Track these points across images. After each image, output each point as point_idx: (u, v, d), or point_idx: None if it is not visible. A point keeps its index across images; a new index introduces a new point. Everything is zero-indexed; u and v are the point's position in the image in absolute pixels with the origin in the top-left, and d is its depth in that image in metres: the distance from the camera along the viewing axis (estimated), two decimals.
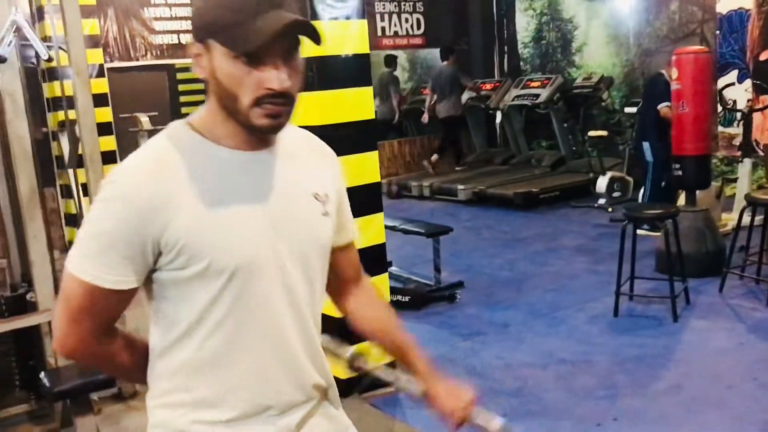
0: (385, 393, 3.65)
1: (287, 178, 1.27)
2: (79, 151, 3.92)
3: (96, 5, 7.34)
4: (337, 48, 3.41)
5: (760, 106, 7.14)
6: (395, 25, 10.19)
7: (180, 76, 9.87)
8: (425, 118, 10.00)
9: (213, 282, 1.19)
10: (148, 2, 8.47)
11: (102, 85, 7.28)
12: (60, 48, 3.85)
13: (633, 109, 7.69)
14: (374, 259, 3.61)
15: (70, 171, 5.18)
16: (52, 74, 6.15)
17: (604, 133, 8.11)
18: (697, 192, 5.37)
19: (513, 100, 9.55)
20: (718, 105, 7.04)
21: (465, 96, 9.99)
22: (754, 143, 6.36)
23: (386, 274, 3.70)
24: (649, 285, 4.86)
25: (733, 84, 7.43)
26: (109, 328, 1.27)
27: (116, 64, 8.21)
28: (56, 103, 6.17)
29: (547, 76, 9.57)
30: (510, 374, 3.81)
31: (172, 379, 1.26)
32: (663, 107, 6.09)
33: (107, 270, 1.17)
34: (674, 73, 5.25)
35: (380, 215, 3.62)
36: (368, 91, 3.55)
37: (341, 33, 3.42)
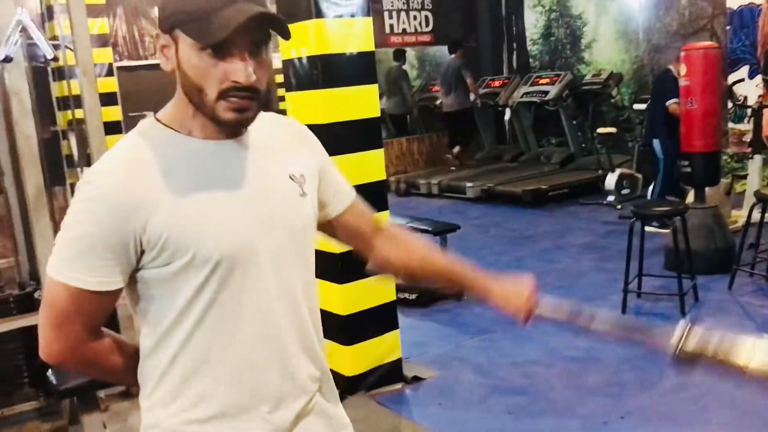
0: (392, 390, 3.66)
1: (261, 163, 1.26)
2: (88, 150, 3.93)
3: (105, 4, 7.38)
4: (341, 46, 3.40)
5: None
6: (403, 23, 10.17)
7: None
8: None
9: (197, 274, 1.18)
10: (156, 1, 8.50)
11: (111, 84, 7.33)
12: (66, 47, 3.87)
13: (642, 106, 7.64)
14: None
15: (79, 170, 5.21)
16: (62, 73, 6.19)
17: (613, 129, 8.06)
18: (707, 189, 5.33)
19: (522, 97, 9.51)
20: (728, 101, 6.98)
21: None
22: (765, 140, 6.31)
23: None
24: (658, 282, 4.83)
25: (743, 80, 7.37)
26: (95, 331, 1.25)
27: (125, 62, 8.24)
28: (65, 102, 6.20)
29: (556, 73, 9.53)
30: (517, 372, 3.80)
31: (162, 378, 1.25)
32: (671, 104, 6.05)
33: (89, 272, 1.16)
34: (683, 70, 5.21)
35: (386, 213, 3.61)
36: (373, 88, 3.55)
37: (346, 31, 3.41)
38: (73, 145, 5.97)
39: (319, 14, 3.32)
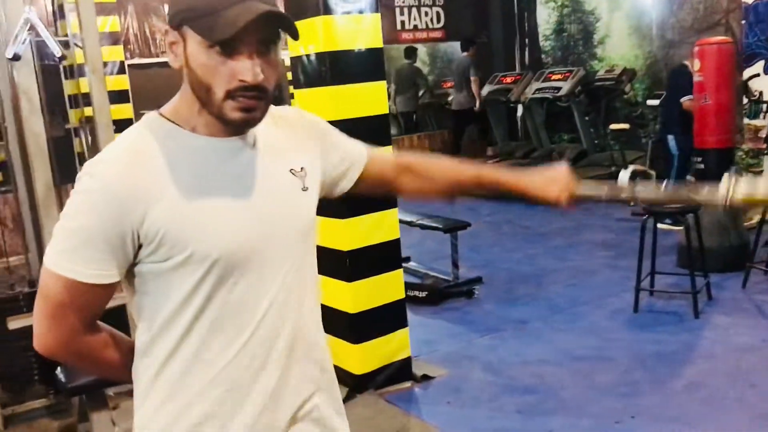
0: (401, 389, 3.64)
1: (265, 160, 1.25)
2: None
3: (116, 2, 7.39)
4: (350, 42, 3.39)
5: None
6: (415, 19, 10.14)
7: None
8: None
9: (194, 271, 1.17)
10: None
11: (122, 82, 7.34)
12: (76, 45, 3.88)
13: (656, 102, 7.57)
14: (388, 255, 3.59)
15: None
16: (73, 71, 6.21)
17: (626, 126, 8.00)
18: None
19: (534, 93, 9.46)
20: (744, 96, 6.90)
21: (486, 89, 9.91)
22: None
23: (401, 270, 3.68)
24: (670, 280, 4.78)
25: (759, 75, 7.28)
26: (90, 324, 1.24)
27: (136, 60, 8.26)
28: (78, 100, 6.23)
29: (569, 69, 9.46)
30: (527, 371, 3.77)
31: (156, 377, 1.23)
32: (685, 100, 5.99)
33: (86, 264, 1.15)
34: (696, 65, 5.15)
35: (394, 211, 3.59)
36: (381, 85, 3.53)
37: (354, 27, 3.39)
38: (84, 143, 6.00)
39: (328, 11, 3.30)
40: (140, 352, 1.26)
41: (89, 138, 5.59)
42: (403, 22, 10.04)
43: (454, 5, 10.45)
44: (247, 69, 1.13)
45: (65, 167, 4.05)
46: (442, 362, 3.92)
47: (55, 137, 3.86)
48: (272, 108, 1.30)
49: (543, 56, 10.47)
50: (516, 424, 3.24)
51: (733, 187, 1.33)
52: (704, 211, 4.78)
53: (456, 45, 10.11)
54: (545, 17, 10.35)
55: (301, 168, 1.31)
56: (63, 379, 2.80)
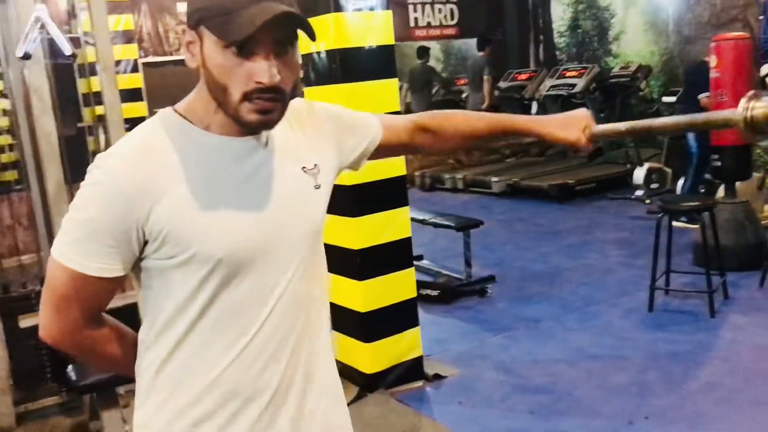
0: (412, 388, 3.62)
1: (278, 161, 1.24)
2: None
3: (130, 1, 7.42)
4: (360, 39, 3.37)
5: None
6: (428, 16, 10.07)
7: None
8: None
9: (197, 271, 1.16)
10: None
11: (136, 80, 7.37)
12: (88, 43, 3.89)
13: (671, 99, 7.49)
14: (399, 254, 3.57)
15: None
16: (85, 70, 6.23)
17: None
18: (738, 183, 5.20)
19: (548, 90, 9.38)
20: None
21: (500, 86, 9.86)
22: None
23: (412, 268, 3.65)
24: (686, 279, 4.73)
25: None
26: (95, 317, 1.24)
27: (150, 58, 8.29)
28: (91, 99, 6.25)
29: (584, 66, 9.39)
30: (540, 370, 3.74)
31: (157, 374, 1.23)
32: (703, 97, 5.90)
33: (91, 257, 1.14)
34: (713, 61, 5.09)
35: (405, 209, 3.57)
36: (393, 83, 3.50)
37: (365, 24, 3.37)
38: (99, 141, 6.03)
39: (338, 8, 3.29)
40: (143, 348, 1.25)
41: (103, 136, 5.62)
42: (416, 20, 9.98)
43: (468, 2, 10.38)
44: (263, 70, 1.11)
45: (77, 166, 4.06)
46: (453, 361, 3.89)
47: (67, 136, 3.86)
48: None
49: (557, 53, 10.40)
50: (528, 425, 3.21)
51: (753, 105, 1.27)
52: (721, 209, 4.72)
53: (470, 41, 10.05)
54: (560, 13, 10.27)
55: (314, 165, 1.30)
56: (74, 377, 2.81)
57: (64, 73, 4.58)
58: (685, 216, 5.58)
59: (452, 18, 10.28)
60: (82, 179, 1.17)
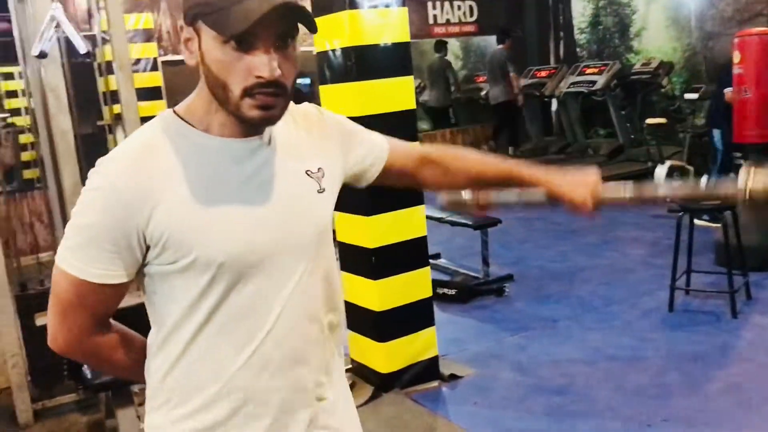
0: (428, 388, 3.59)
1: (280, 163, 1.21)
2: None
3: None
4: (376, 37, 3.34)
5: None
6: (447, 13, 10.02)
7: None
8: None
9: (200, 276, 1.14)
10: None
11: (156, 79, 7.39)
12: (105, 41, 3.90)
13: (694, 96, 7.40)
14: (415, 253, 3.54)
15: None
16: (102, 68, 6.28)
17: (663, 120, 7.81)
18: None
19: (569, 87, 9.31)
20: None
21: (521, 82, 9.79)
22: None
23: (428, 267, 3.62)
24: (708, 279, 4.65)
25: None
26: (101, 323, 1.23)
27: (170, 57, 8.33)
28: (107, 97, 6.29)
29: (604, 62, 9.29)
30: (557, 371, 3.69)
31: (165, 378, 1.21)
32: (728, 92, 5.81)
33: (92, 262, 1.13)
34: (736, 57, 5.00)
35: (421, 207, 3.54)
36: (409, 80, 3.47)
37: (381, 21, 3.34)
38: (118, 139, 6.07)
39: (354, 5, 3.26)
40: (151, 353, 1.24)
41: (121, 135, 5.66)
42: (435, 17, 9.94)
43: None
44: (263, 64, 1.09)
45: (94, 164, 4.09)
46: (470, 361, 3.86)
47: (84, 134, 3.88)
48: (292, 106, 1.26)
49: (578, 50, 10.30)
50: (544, 426, 3.18)
51: (752, 179, 1.24)
52: (741, 207, 4.64)
53: (489, 39, 9.98)
54: (580, 10, 10.17)
55: (318, 168, 1.27)
56: (89, 376, 2.82)
57: (83, 72, 4.62)
58: (707, 215, 5.49)
59: (471, 15, 10.23)
60: None
